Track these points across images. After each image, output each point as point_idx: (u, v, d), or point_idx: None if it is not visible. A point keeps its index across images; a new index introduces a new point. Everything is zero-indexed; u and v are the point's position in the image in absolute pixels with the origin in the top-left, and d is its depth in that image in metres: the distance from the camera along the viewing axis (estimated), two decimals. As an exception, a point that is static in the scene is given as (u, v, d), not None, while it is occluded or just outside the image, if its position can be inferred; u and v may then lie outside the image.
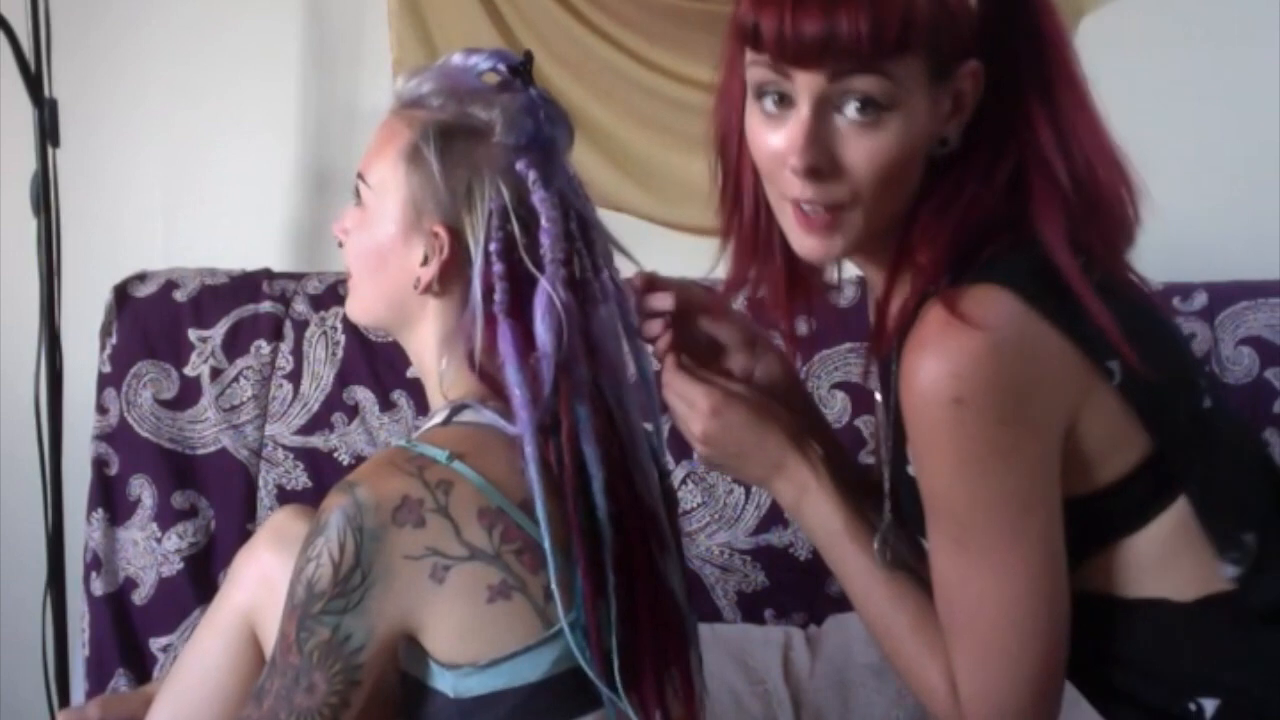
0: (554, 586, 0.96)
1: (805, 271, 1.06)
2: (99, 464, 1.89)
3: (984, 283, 0.89)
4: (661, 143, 2.06)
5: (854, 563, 1.02)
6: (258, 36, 2.12)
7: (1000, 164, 0.93)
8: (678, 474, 1.87)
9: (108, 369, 1.90)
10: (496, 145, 1.03)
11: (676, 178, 2.03)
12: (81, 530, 1.88)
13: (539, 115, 1.04)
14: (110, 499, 1.88)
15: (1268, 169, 2.02)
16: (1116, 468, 0.93)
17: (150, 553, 1.86)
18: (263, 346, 1.91)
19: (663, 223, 2.02)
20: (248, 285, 1.95)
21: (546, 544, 0.95)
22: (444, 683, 0.98)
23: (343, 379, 1.90)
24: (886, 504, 1.03)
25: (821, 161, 0.90)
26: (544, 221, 1.02)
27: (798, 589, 1.85)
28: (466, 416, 1.03)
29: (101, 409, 1.90)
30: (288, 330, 1.92)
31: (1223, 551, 0.95)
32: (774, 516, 1.86)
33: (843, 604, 1.82)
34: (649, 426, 1.13)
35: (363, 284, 1.10)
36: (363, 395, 1.90)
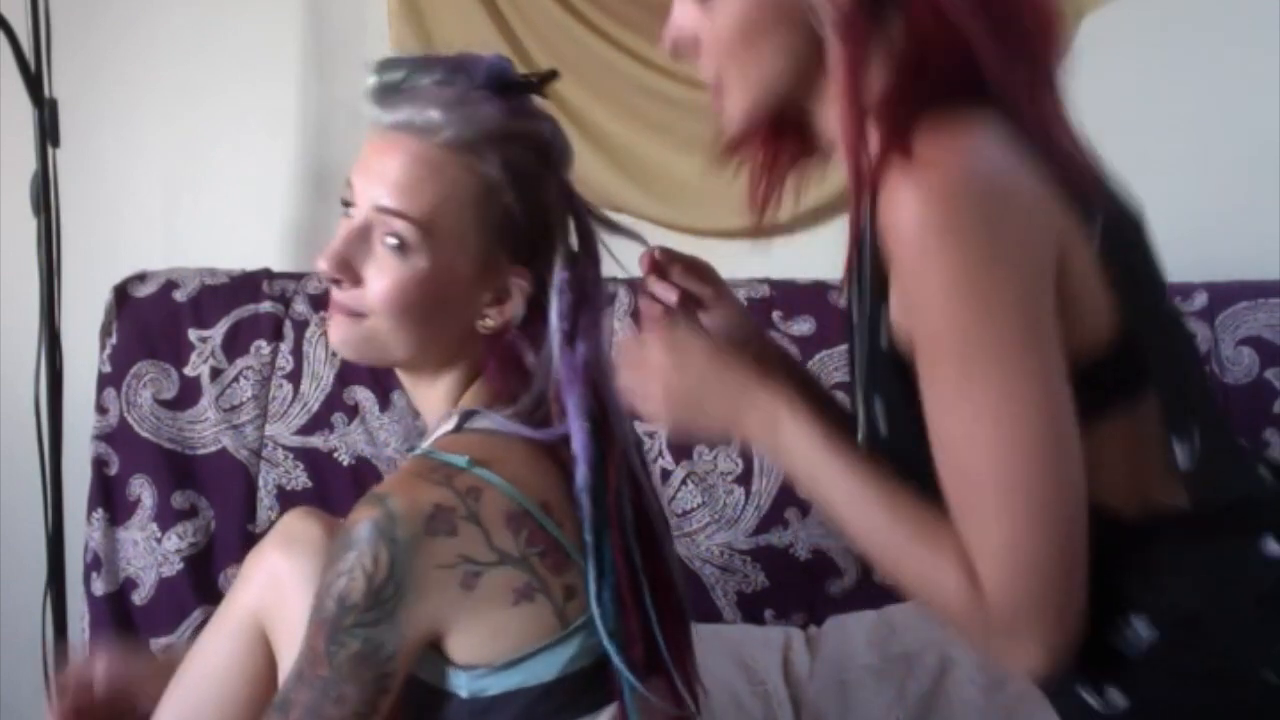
0: (591, 584, 0.97)
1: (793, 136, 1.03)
2: (99, 464, 1.89)
3: (944, 127, 0.87)
4: (661, 143, 2.06)
5: (842, 484, 0.94)
6: (258, 36, 2.12)
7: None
8: (677, 474, 1.87)
9: (108, 369, 1.90)
10: (554, 173, 1.05)
11: (676, 178, 2.03)
12: (81, 530, 1.88)
13: (562, 139, 1.06)
14: (110, 499, 1.88)
15: (1268, 169, 2.02)
16: (1084, 341, 0.89)
17: (150, 553, 1.86)
18: (263, 346, 1.91)
19: (662, 223, 2.02)
20: (248, 285, 1.95)
21: (589, 537, 0.98)
22: (458, 684, 0.98)
23: (343, 379, 1.90)
24: (861, 426, 1.00)
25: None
26: (594, 252, 1.07)
27: (798, 589, 1.85)
28: (478, 423, 1.03)
29: (101, 409, 1.90)
30: (288, 330, 1.92)
31: (1179, 445, 0.92)
32: (774, 517, 1.86)
33: (843, 604, 1.84)
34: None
35: (402, 328, 1.02)
36: (363, 395, 1.90)
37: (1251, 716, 0.91)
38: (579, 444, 0.99)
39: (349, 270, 1.01)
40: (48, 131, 1.83)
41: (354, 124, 2.24)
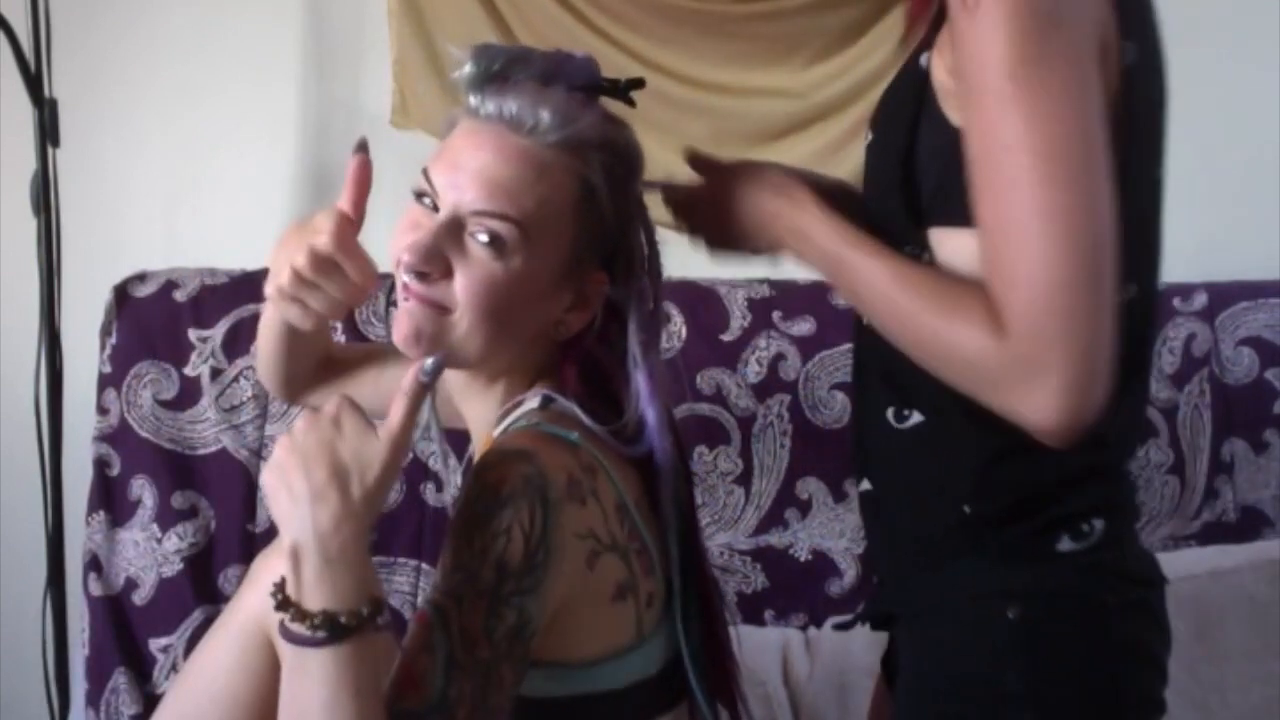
0: (677, 595, 0.99)
1: None
2: (99, 464, 1.88)
3: None
4: (662, 143, 2.05)
5: (863, 260, 0.95)
6: (258, 36, 2.12)
7: None
8: (678, 474, 1.87)
9: (108, 369, 1.90)
10: (638, 178, 1.05)
11: (677, 178, 2.03)
12: (81, 530, 1.88)
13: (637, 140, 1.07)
14: (110, 499, 1.88)
15: (1268, 169, 2.02)
16: None
17: (150, 553, 1.85)
18: (263, 347, 1.91)
19: (662, 223, 2.02)
20: (248, 285, 1.94)
21: (675, 550, 0.99)
22: (529, 684, 0.92)
23: (343, 379, 1.90)
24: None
25: None
26: (657, 255, 1.08)
27: (797, 590, 1.85)
28: (560, 405, 1.00)
29: (102, 409, 1.89)
30: (288, 330, 1.92)
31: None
32: (774, 517, 1.86)
33: (842, 605, 1.84)
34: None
35: (484, 327, 0.97)
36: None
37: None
38: (663, 456, 0.99)
39: (441, 262, 0.96)
40: (48, 131, 1.82)
41: (354, 124, 2.25)
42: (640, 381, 1.01)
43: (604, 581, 0.93)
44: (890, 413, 1.02)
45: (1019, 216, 0.83)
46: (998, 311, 0.85)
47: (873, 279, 0.94)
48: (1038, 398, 0.83)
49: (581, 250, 1.00)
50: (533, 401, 1.00)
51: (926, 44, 0.99)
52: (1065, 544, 0.97)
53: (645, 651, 0.97)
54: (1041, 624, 0.96)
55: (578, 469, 0.92)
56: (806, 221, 1.00)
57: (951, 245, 0.94)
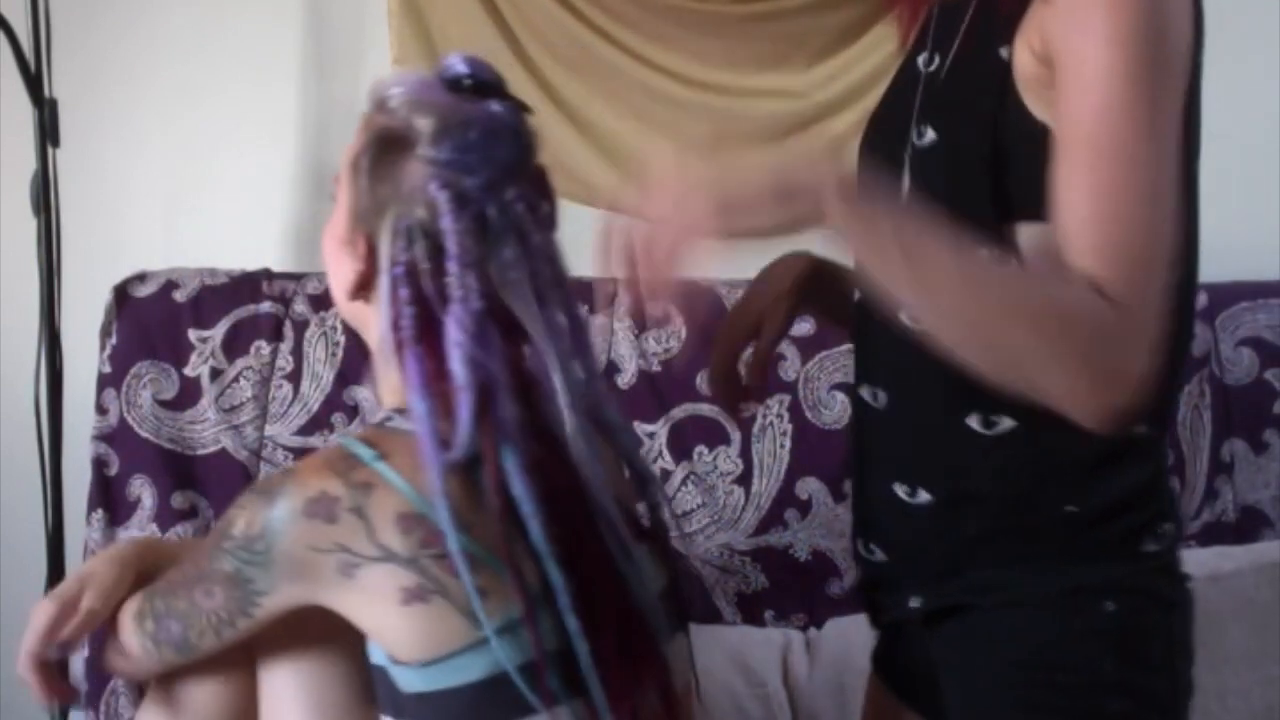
0: (470, 591, 0.95)
1: None
2: (99, 464, 1.88)
3: None
4: (662, 143, 2.06)
5: (942, 245, 0.91)
6: (258, 36, 2.12)
7: None
8: (677, 475, 1.87)
9: (108, 369, 1.90)
10: (418, 159, 0.99)
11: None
12: (81, 530, 1.88)
13: (478, 131, 0.99)
14: (110, 499, 1.88)
15: (1268, 169, 2.02)
16: None
17: (150, 553, 1.85)
18: (263, 347, 1.91)
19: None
20: (248, 285, 1.95)
21: (454, 546, 0.94)
22: (395, 674, 1.00)
23: (343, 379, 1.90)
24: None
25: None
26: (452, 249, 0.98)
27: (797, 590, 1.85)
28: (397, 423, 1.03)
29: (101, 409, 1.89)
30: (288, 330, 1.92)
31: None
32: (774, 518, 1.86)
33: (842, 605, 1.83)
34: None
35: (329, 278, 1.11)
36: (363, 395, 1.90)
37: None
38: (463, 449, 0.96)
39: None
40: (48, 131, 1.82)
41: (354, 124, 2.24)
42: (410, 367, 0.99)
43: (380, 589, 0.96)
44: (976, 420, 1.02)
45: (1136, 197, 0.88)
46: (1099, 283, 0.88)
47: (959, 258, 0.91)
48: (1131, 361, 0.88)
49: (356, 213, 1.04)
50: (376, 418, 1.07)
51: (921, 46, 0.99)
52: (1149, 545, 1.03)
53: (512, 643, 0.96)
54: (1133, 617, 1.02)
55: (342, 488, 0.96)
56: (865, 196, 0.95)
57: (1039, 238, 0.95)
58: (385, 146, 1.01)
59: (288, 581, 0.99)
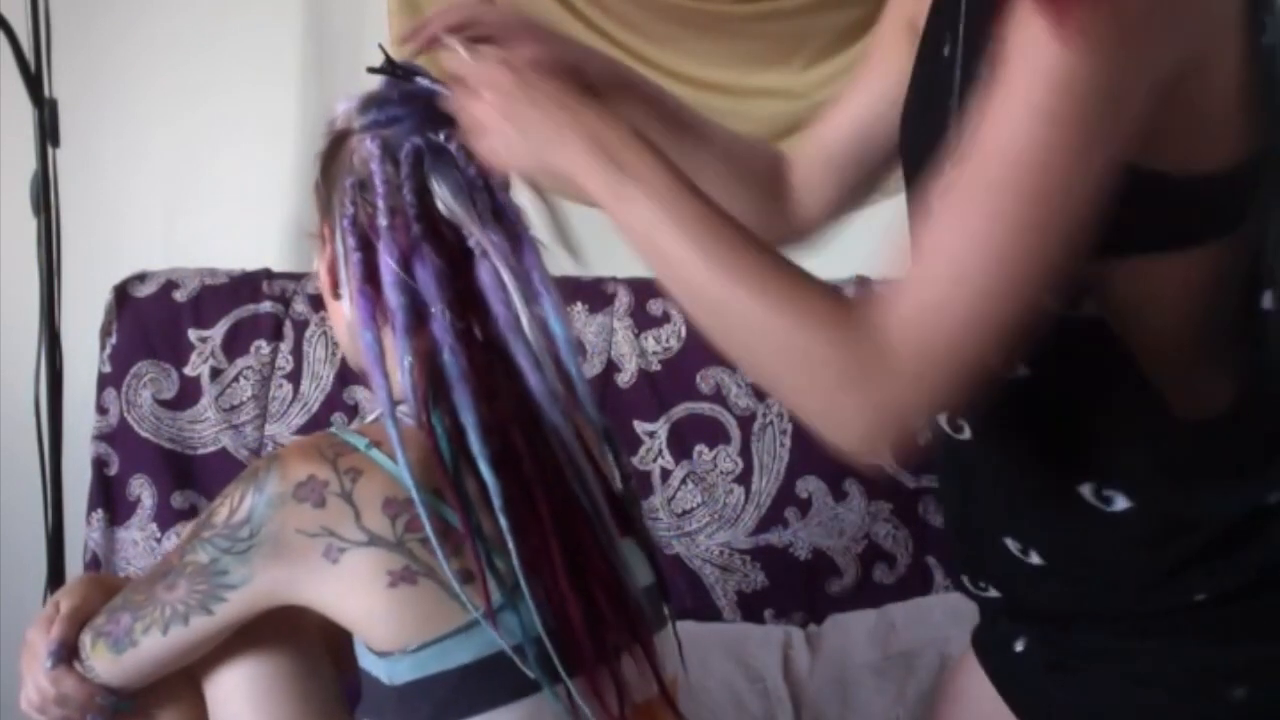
0: (446, 572, 0.95)
1: None
2: (99, 464, 1.89)
3: None
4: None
5: (698, 221, 0.83)
6: (258, 36, 2.12)
7: None
8: (677, 474, 1.87)
9: (108, 369, 1.90)
10: (355, 135, 1.04)
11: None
12: (81, 530, 1.88)
13: (399, 92, 1.04)
14: (110, 499, 1.88)
15: (1267, 169, 2.02)
16: (1193, 157, 0.79)
17: (150, 553, 1.85)
18: (263, 346, 1.91)
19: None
20: (248, 285, 1.95)
21: (428, 528, 0.95)
22: (380, 670, 0.99)
23: (343, 379, 1.90)
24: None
25: None
26: (378, 186, 1.00)
27: (797, 589, 1.85)
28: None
29: (101, 409, 1.90)
30: (288, 330, 1.92)
31: (1269, 293, 0.84)
32: (774, 517, 1.86)
33: (842, 604, 1.84)
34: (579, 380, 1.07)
35: (329, 318, 1.13)
36: (363, 395, 1.90)
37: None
38: (392, 435, 0.96)
39: None
40: (48, 131, 1.82)
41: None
42: (358, 305, 1.01)
43: (366, 573, 0.97)
44: (1088, 490, 0.89)
45: (982, 244, 0.74)
46: (848, 305, 0.78)
47: (707, 236, 0.82)
48: (862, 400, 0.77)
49: (323, 217, 1.07)
50: (371, 415, 1.08)
51: (938, 36, 0.92)
52: None
53: (503, 624, 0.96)
54: (1267, 706, 0.89)
55: (331, 473, 0.98)
56: (632, 146, 0.85)
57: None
58: (331, 147, 1.06)
59: (269, 568, 0.98)
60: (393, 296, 0.99)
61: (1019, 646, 1.02)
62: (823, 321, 0.77)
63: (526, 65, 0.94)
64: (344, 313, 1.05)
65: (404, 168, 1.01)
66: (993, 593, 1.01)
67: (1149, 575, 0.90)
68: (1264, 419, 0.88)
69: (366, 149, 1.02)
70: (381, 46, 1.07)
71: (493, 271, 1.00)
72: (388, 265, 0.99)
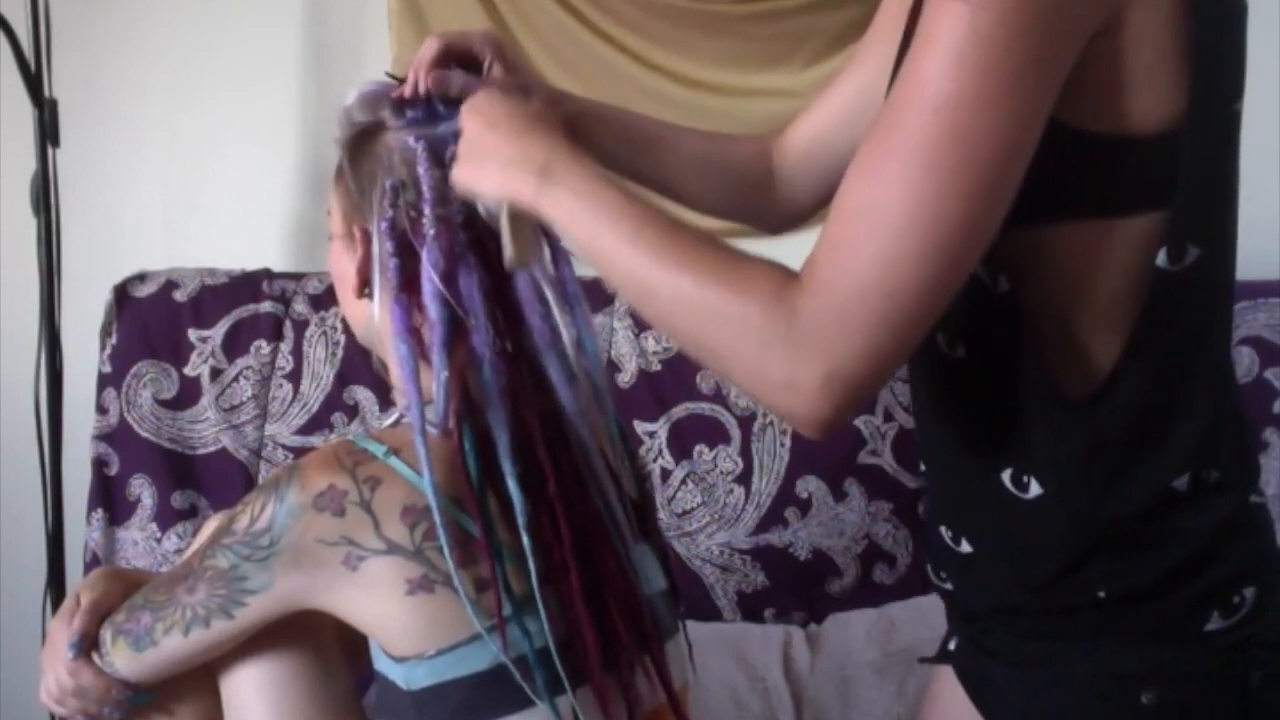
0: (457, 583, 0.94)
1: None
2: (99, 464, 1.89)
3: None
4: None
5: (623, 215, 0.84)
6: (258, 36, 2.13)
7: None
8: (677, 474, 1.87)
9: (108, 369, 1.90)
10: (391, 132, 1.02)
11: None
12: (81, 530, 1.88)
13: (436, 97, 1.02)
14: (110, 499, 1.88)
15: (1268, 169, 2.02)
16: (1122, 117, 0.79)
17: (150, 553, 1.86)
18: (263, 346, 1.91)
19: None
20: (248, 285, 1.95)
21: (442, 536, 0.94)
22: (397, 675, 0.99)
23: (343, 379, 1.90)
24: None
25: None
26: (425, 191, 0.98)
27: (798, 589, 1.85)
28: (409, 419, 1.02)
29: (101, 409, 1.90)
30: (288, 330, 1.92)
31: (1168, 253, 0.84)
32: (774, 517, 1.86)
33: (842, 603, 1.84)
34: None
35: (342, 308, 1.11)
36: (363, 395, 1.90)
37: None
38: (421, 454, 0.96)
39: None
40: (48, 131, 1.83)
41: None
42: (394, 314, 0.99)
43: (385, 581, 0.96)
44: (1007, 476, 0.89)
45: (899, 189, 0.73)
46: (781, 278, 0.77)
47: (630, 229, 0.83)
48: (802, 373, 0.75)
49: (348, 214, 1.05)
50: (390, 417, 1.07)
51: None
52: (1214, 623, 0.87)
53: (510, 632, 0.96)
54: (1177, 710, 0.87)
55: (351, 482, 0.97)
56: (561, 154, 0.89)
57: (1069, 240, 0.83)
58: (359, 140, 1.04)
59: (289, 575, 0.98)
60: (433, 308, 0.97)
61: (952, 644, 1.04)
62: (750, 290, 0.76)
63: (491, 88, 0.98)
64: (368, 313, 1.04)
65: (450, 172, 0.99)
66: (948, 585, 1.02)
67: (1053, 568, 0.89)
68: (1153, 386, 0.86)
69: (409, 148, 1.00)
70: (389, 73, 1.06)
71: (531, 283, 1.00)
72: (429, 276, 0.97)
